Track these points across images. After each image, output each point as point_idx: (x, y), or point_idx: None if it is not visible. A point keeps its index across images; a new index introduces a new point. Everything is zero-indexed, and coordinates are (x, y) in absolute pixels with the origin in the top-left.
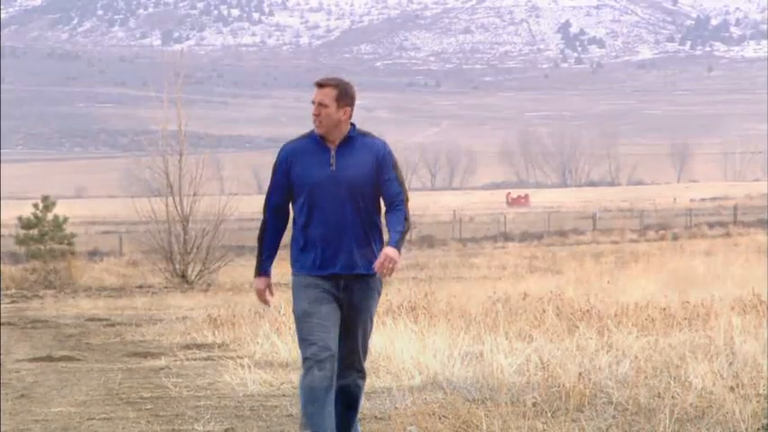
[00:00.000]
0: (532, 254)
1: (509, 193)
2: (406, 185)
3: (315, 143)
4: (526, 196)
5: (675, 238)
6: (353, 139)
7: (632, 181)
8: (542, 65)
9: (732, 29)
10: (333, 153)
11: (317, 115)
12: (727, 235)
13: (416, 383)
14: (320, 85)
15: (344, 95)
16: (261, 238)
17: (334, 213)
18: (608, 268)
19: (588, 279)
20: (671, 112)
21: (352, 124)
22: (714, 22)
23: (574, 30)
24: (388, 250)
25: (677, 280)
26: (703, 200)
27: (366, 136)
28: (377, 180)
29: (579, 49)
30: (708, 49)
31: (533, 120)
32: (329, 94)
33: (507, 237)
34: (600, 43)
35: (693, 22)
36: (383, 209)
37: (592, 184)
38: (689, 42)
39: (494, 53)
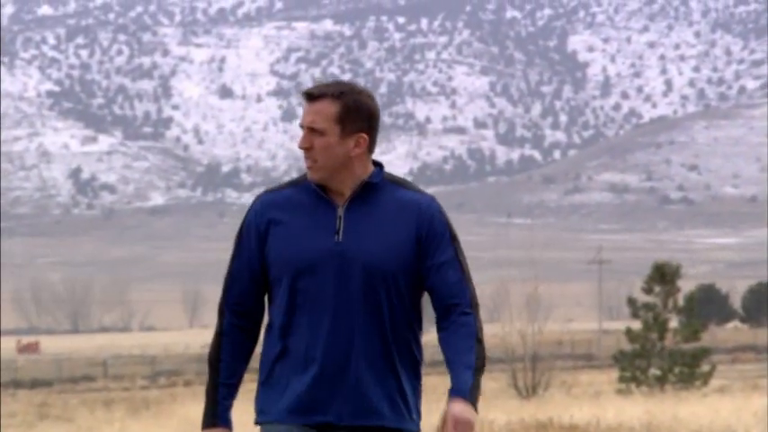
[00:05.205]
0: (43, 401)
1: (19, 340)
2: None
3: (308, 196)
4: (36, 343)
5: (187, 384)
6: (378, 190)
7: (144, 327)
8: (54, 210)
9: (243, 175)
10: (340, 214)
11: (307, 149)
12: None
13: None
14: (312, 96)
15: (354, 112)
16: (214, 362)
17: (335, 317)
18: (119, 416)
19: (99, 428)
20: (184, 259)
21: (377, 164)
22: (225, 169)
23: (85, 175)
24: (459, 407)
25: (190, 427)
26: None
27: (401, 186)
28: (419, 264)
29: (91, 194)
30: (219, 195)
31: (45, 266)
32: (326, 113)
33: (17, 384)
34: (111, 189)
35: (205, 169)
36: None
37: (104, 329)
38: (200, 189)
39: (5, 199)
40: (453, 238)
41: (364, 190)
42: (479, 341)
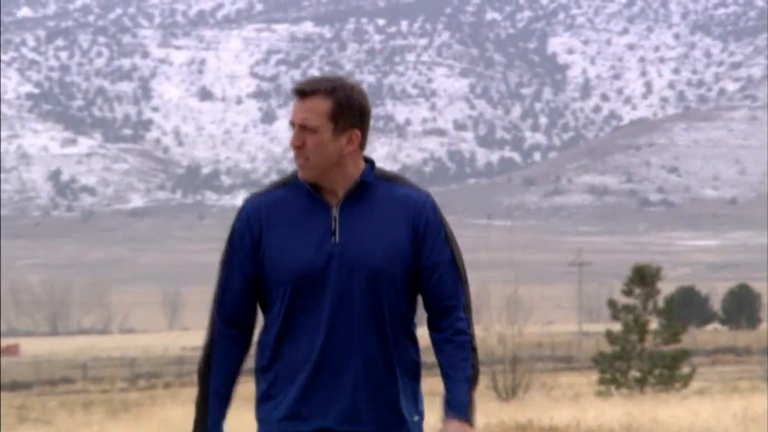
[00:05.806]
0: (22, 403)
1: None
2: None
3: (300, 196)
4: (16, 345)
5: (167, 386)
6: (371, 187)
7: (124, 329)
8: (33, 212)
9: (223, 177)
10: (334, 214)
11: (299, 147)
12: None
13: None
14: (303, 92)
15: (347, 108)
16: (204, 372)
17: (334, 320)
18: (99, 418)
19: (78, 430)
20: (163, 261)
21: (368, 161)
22: (205, 171)
23: (65, 177)
24: (456, 426)
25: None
26: (195, 348)
27: (394, 181)
28: (415, 263)
29: (70, 196)
30: (199, 197)
31: (24, 268)
32: (319, 109)
33: None
34: (91, 191)
35: (184, 171)
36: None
37: (83, 331)
38: (180, 191)
39: None
40: (448, 238)
41: (357, 189)
42: (474, 350)
